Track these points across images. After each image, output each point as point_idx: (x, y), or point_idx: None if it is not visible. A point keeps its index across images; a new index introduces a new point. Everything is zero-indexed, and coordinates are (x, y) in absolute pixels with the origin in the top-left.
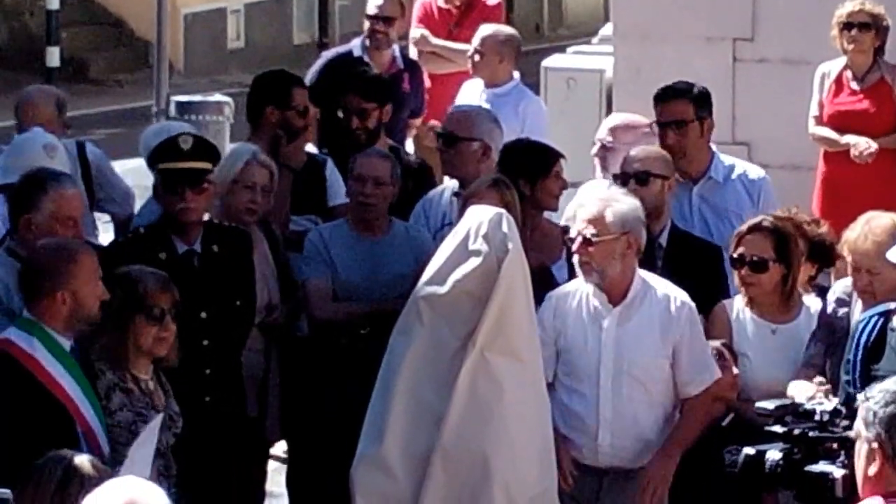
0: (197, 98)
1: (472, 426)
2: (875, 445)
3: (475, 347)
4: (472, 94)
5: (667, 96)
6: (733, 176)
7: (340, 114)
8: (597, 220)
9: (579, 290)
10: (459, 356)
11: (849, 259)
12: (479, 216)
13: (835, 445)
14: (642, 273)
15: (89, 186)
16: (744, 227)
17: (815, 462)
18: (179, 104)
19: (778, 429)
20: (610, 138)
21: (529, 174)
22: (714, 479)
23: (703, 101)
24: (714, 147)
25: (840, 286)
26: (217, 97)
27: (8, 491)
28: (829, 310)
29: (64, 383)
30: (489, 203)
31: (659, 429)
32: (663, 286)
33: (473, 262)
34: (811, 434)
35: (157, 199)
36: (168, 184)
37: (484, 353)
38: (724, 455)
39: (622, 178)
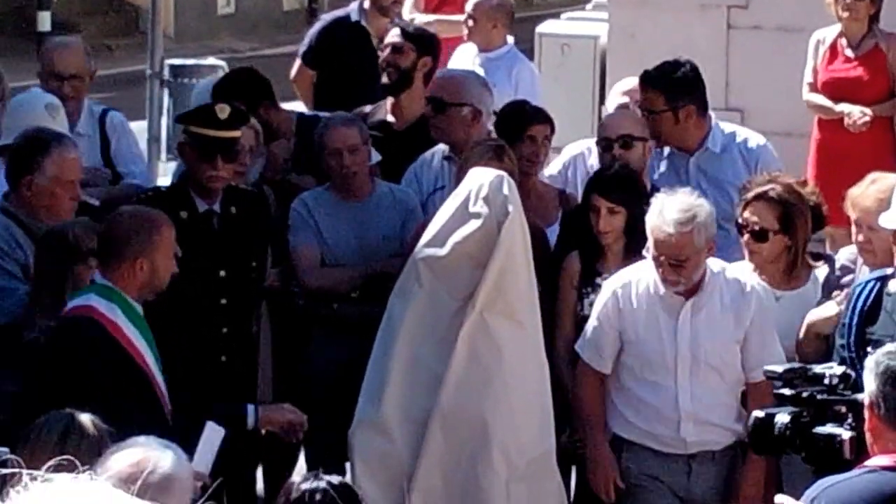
0: (191, 62)
1: (472, 389)
2: (867, 402)
3: (475, 310)
4: (465, 58)
5: (641, 82)
6: (732, 145)
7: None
8: (685, 246)
9: (642, 280)
10: (458, 318)
11: (852, 216)
12: (480, 178)
13: (843, 408)
14: (709, 259)
15: (105, 154)
16: (750, 194)
17: (824, 425)
18: (173, 67)
19: (786, 391)
20: (626, 99)
21: (507, 137)
22: None
23: (679, 88)
24: (713, 116)
25: (845, 254)
26: (211, 60)
27: (6, 449)
28: (834, 277)
29: (141, 349)
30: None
31: (736, 410)
32: (733, 270)
33: (473, 225)
34: (819, 397)
35: (181, 157)
36: (201, 150)
37: (483, 316)
38: None
39: (604, 144)
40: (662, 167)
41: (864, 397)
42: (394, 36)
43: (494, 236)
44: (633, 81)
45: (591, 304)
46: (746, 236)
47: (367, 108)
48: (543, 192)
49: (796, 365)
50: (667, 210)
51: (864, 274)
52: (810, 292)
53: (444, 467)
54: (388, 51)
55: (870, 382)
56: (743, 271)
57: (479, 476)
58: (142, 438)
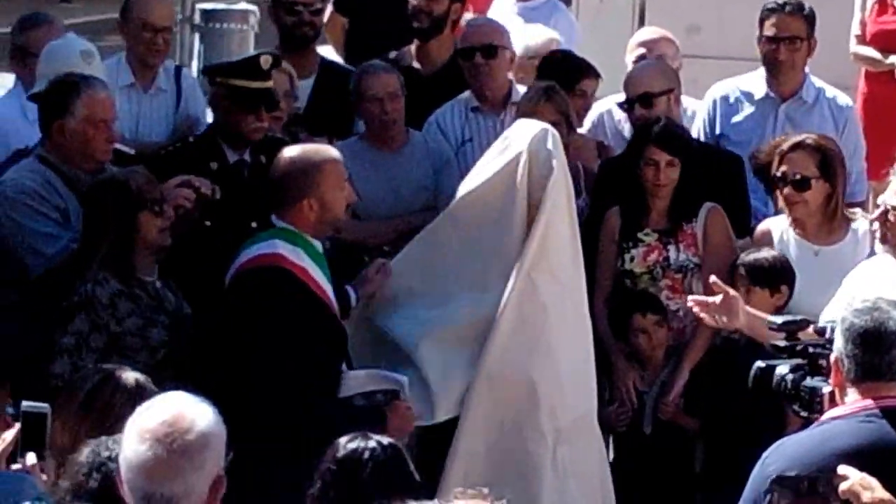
0: (221, 6)
1: (519, 351)
2: (833, 358)
3: (522, 269)
4: (504, 6)
5: (782, 11)
6: (823, 99)
7: None
8: None
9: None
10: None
11: None
12: (524, 132)
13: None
14: None
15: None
16: (785, 145)
17: (815, 377)
18: (204, 12)
19: (781, 343)
20: (643, 51)
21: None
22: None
23: (813, 20)
24: (807, 69)
25: None
26: (243, 5)
27: (46, 405)
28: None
29: (325, 289)
30: (546, 115)
31: None
32: None
33: (508, 178)
34: (811, 350)
35: (214, 109)
36: (243, 102)
37: (530, 275)
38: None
39: (627, 103)
40: (744, 114)
41: (833, 354)
42: None
43: (524, 192)
44: (650, 32)
45: (631, 260)
46: (787, 188)
47: (392, 54)
48: (583, 145)
49: (798, 317)
50: None
51: None
52: (849, 247)
53: (488, 432)
54: None
55: (837, 339)
56: None
57: (527, 440)
58: (174, 393)
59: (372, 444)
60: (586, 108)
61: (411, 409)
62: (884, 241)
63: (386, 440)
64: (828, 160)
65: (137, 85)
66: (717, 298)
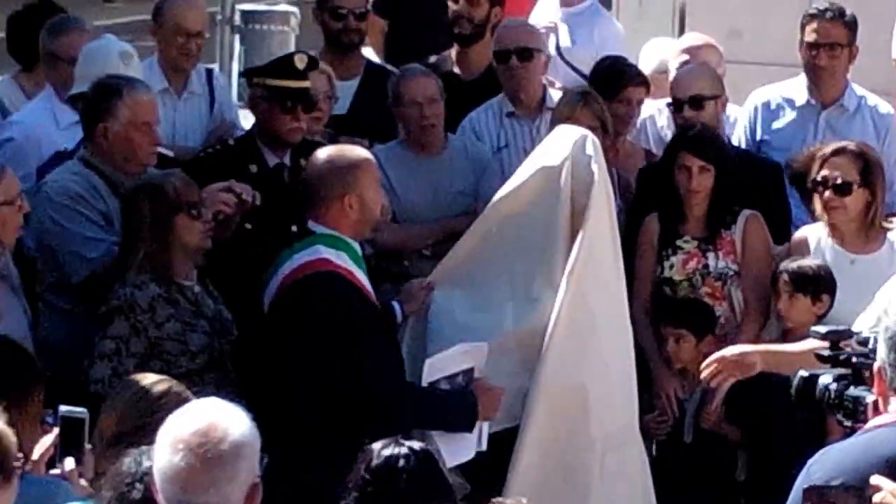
0: (262, 7)
1: (571, 360)
2: (876, 368)
3: (572, 278)
4: (546, 12)
5: (823, 17)
6: (865, 107)
7: (450, 2)
8: None
9: None
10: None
11: None
12: (564, 138)
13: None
14: None
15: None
16: (827, 150)
17: (858, 388)
18: (245, 13)
19: (825, 352)
20: (686, 57)
21: (601, 94)
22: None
23: (855, 27)
24: (849, 76)
25: None
26: (283, 6)
27: (84, 410)
28: None
29: (370, 291)
30: (583, 121)
31: None
32: None
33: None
34: (855, 360)
35: (253, 111)
36: (281, 102)
37: (580, 283)
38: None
39: (675, 105)
40: (785, 120)
41: (876, 363)
42: None
43: (567, 199)
44: (694, 38)
45: (671, 267)
46: (827, 193)
47: (432, 59)
48: (632, 152)
49: (841, 327)
50: None
51: None
52: (885, 257)
53: (545, 443)
54: (462, 2)
55: (881, 348)
56: None
57: (578, 449)
58: (207, 401)
59: (405, 450)
60: (631, 116)
61: (492, 385)
62: None
63: (418, 445)
64: (869, 167)
65: (171, 90)
66: (731, 352)
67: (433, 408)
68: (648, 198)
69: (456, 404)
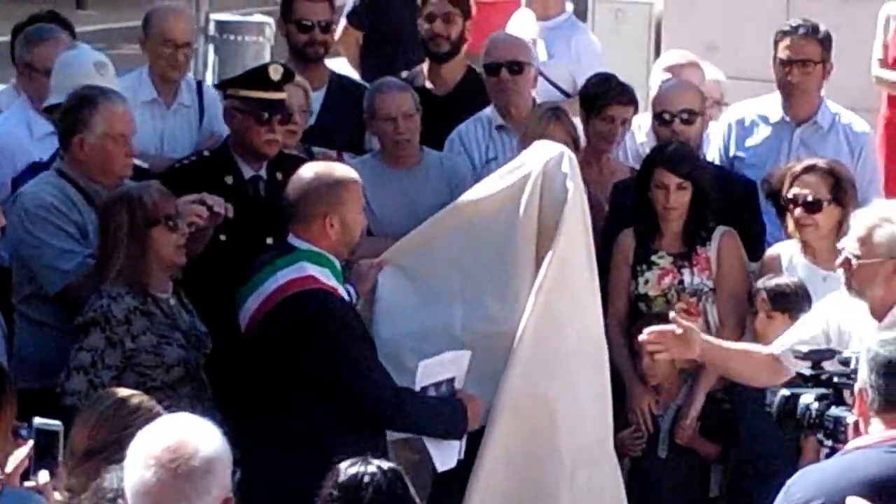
0: (237, 17)
1: (538, 371)
2: (857, 389)
3: (541, 291)
4: (522, 25)
5: (796, 34)
6: (838, 125)
7: (421, 17)
8: (864, 241)
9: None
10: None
11: None
12: (540, 153)
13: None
14: None
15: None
16: (798, 168)
17: (839, 407)
18: (219, 23)
19: (806, 371)
20: (668, 76)
21: (586, 110)
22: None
23: (829, 43)
24: (824, 92)
25: None
26: (258, 17)
27: (59, 423)
28: None
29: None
30: (556, 137)
31: None
32: None
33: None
34: (836, 380)
35: (228, 123)
36: (256, 114)
37: (549, 298)
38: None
39: (663, 119)
40: (759, 137)
41: (857, 384)
42: (441, 5)
43: (532, 214)
44: (676, 56)
45: (645, 283)
46: (798, 211)
47: (404, 74)
48: (616, 170)
49: (823, 346)
50: (874, 205)
51: None
52: None
53: (508, 456)
54: (438, 21)
55: (862, 370)
56: None
57: (545, 463)
58: (178, 416)
59: (373, 468)
60: (612, 133)
61: (475, 396)
62: (849, 286)
63: (386, 465)
64: (840, 184)
65: (160, 100)
66: (674, 328)
67: (430, 414)
68: (623, 214)
69: (449, 412)
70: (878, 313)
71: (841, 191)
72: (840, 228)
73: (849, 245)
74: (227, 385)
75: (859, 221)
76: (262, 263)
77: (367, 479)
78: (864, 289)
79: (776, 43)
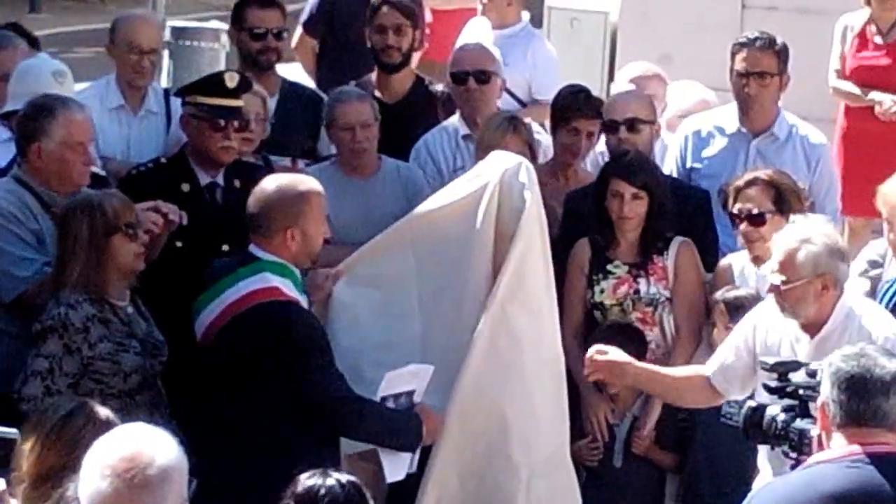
0: (193, 24)
1: (491, 382)
2: (820, 403)
3: (495, 301)
4: (477, 33)
5: (753, 46)
6: (795, 136)
7: (371, 29)
8: (785, 265)
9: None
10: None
11: (884, 213)
12: (497, 164)
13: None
14: (853, 302)
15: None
16: (741, 182)
17: (804, 420)
18: (175, 29)
19: (772, 383)
20: (632, 87)
21: (553, 120)
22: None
23: (785, 55)
24: (780, 104)
25: (875, 248)
26: (214, 24)
27: (16, 430)
28: (861, 271)
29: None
30: (512, 146)
31: None
32: (871, 318)
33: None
34: (801, 392)
35: (184, 129)
36: (211, 121)
37: (504, 307)
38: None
39: (610, 127)
40: (715, 148)
41: (819, 399)
42: (391, 17)
43: (489, 224)
44: (640, 67)
45: (601, 292)
46: (743, 225)
47: (352, 84)
48: (584, 179)
49: (789, 359)
50: (790, 228)
51: (893, 270)
52: None
53: (462, 465)
54: (389, 33)
55: (825, 384)
56: (883, 321)
57: (498, 472)
58: (133, 426)
59: (331, 481)
60: (576, 146)
61: (432, 412)
62: (782, 309)
63: (346, 478)
64: (782, 195)
65: (127, 107)
66: (608, 357)
67: (387, 425)
68: (577, 222)
69: (405, 424)
70: (810, 330)
71: (783, 201)
72: None
73: (773, 271)
74: (182, 393)
75: (779, 247)
76: (219, 271)
77: (323, 491)
78: (797, 310)
79: (733, 55)
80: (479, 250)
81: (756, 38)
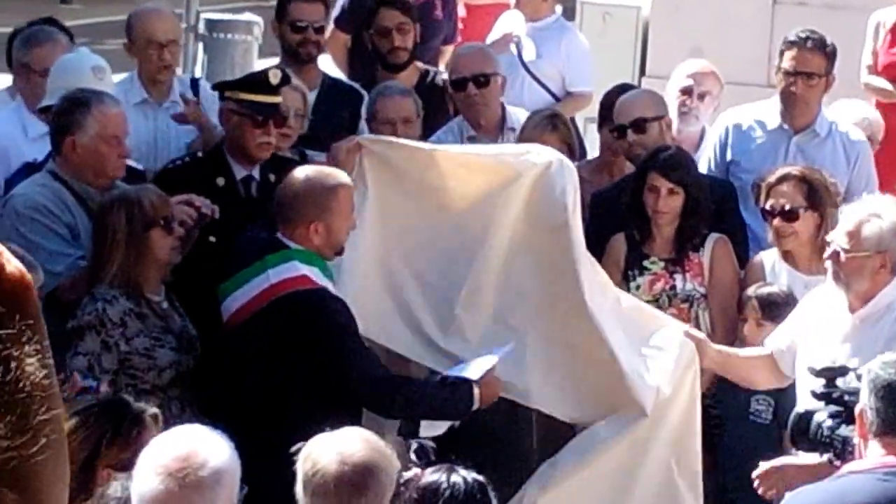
0: (226, 16)
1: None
2: (858, 411)
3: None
4: (510, 26)
5: (804, 46)
6: (835, 133)
7: (373, 32)
8: (852, 234)
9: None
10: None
11: None
12: (546, 152)
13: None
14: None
15: None
16: (772, 178)
17: (850, 426)
18: (209, 21)
19: (818, 389)
20: (690, 82)
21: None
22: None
23: (834, 56)
24: (824, 100)
25: None
26: (247, 16)
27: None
28: None
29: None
30: (552, 144)
31: None
32: None
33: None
34: (847, 398)
35: (223, 124)
36: (252, 117)
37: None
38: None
39: (618, 131)
40: (755, 143)
41: (858, 406)
42: (392, 17)
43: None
44: (697, 64)
45: (637, 288)
46: (776, 221)
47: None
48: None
49: (837, 364)
50: (865, 200)
51: None
52: None
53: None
54: (395, 34)
55: (863, 391)
56: None
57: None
58: (189, 427)
59: (456, 478)
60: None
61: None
62: (836, 279)
63: (471, 476)
64: (814, 190)
65: (151, 100)
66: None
67: (428, 403)
68: (608, 219)
69: (450, 397)
70: (855, 306)
71: (816, 196)
72: (819, 233)
73: (837, 238)
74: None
75: (849, 215)
76: (246, 253)
77: (444, 486)
78: (851, 281)
79: (782, 52)
80: (490, 209)
81: (807, 38)
